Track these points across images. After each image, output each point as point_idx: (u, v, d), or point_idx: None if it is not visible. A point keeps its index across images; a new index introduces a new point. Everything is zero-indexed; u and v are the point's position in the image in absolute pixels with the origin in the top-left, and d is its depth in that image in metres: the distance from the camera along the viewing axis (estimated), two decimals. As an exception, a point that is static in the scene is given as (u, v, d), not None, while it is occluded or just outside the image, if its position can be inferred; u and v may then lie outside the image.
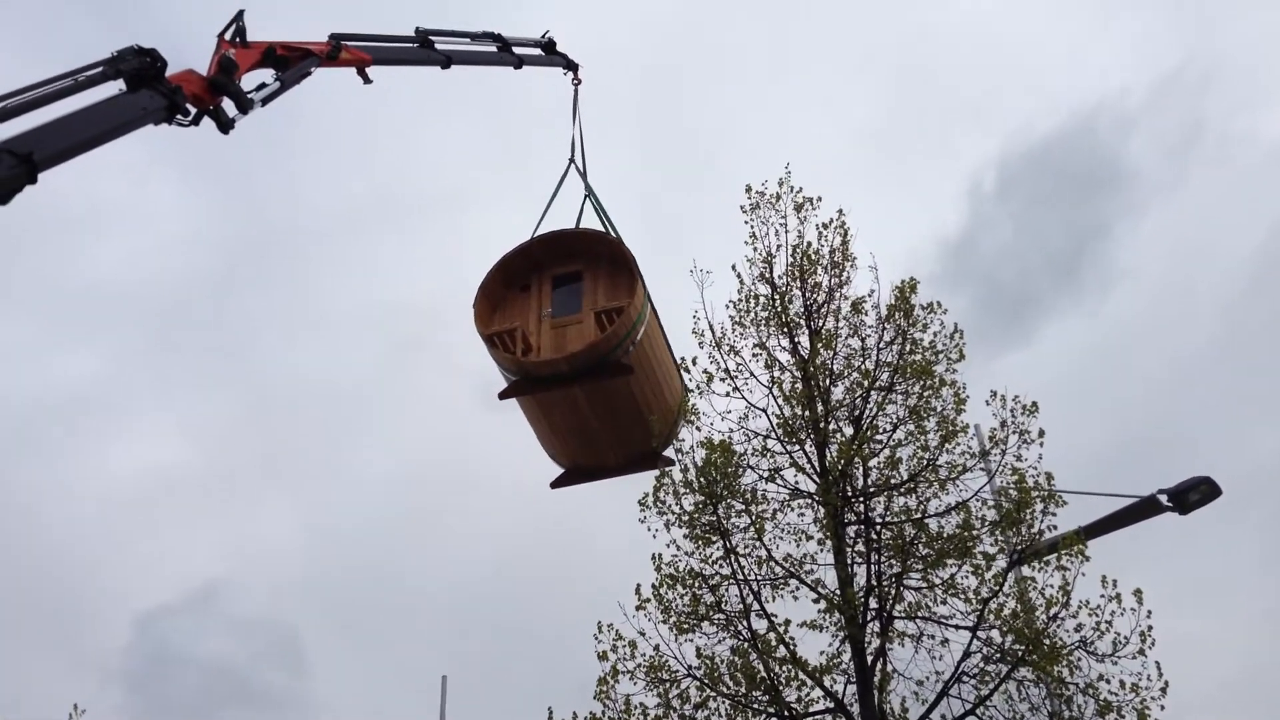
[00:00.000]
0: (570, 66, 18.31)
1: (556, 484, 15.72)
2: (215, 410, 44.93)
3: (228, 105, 9.83)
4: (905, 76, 49.53)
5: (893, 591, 11.53)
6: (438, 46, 14.56)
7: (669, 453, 13.66)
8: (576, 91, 18.03)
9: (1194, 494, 12.06)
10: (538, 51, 17.75)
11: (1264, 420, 35.37)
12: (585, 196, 16.16)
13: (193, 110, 9.37)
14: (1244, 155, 43.31)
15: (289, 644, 38.39)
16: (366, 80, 12.85)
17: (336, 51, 11.90)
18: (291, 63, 10.98)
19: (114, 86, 8.50)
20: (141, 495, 42.70)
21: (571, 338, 14.23)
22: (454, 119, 52.49)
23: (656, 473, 12.11)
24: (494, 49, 16.34)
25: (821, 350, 12.36)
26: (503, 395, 14.30)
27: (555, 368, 13.81)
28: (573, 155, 16.93)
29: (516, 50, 16.77)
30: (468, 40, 15.58)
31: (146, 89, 8.62)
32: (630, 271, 14.34)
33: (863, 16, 50.93)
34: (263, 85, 10.43)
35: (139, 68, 8.59)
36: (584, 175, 16.57)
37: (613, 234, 15.23)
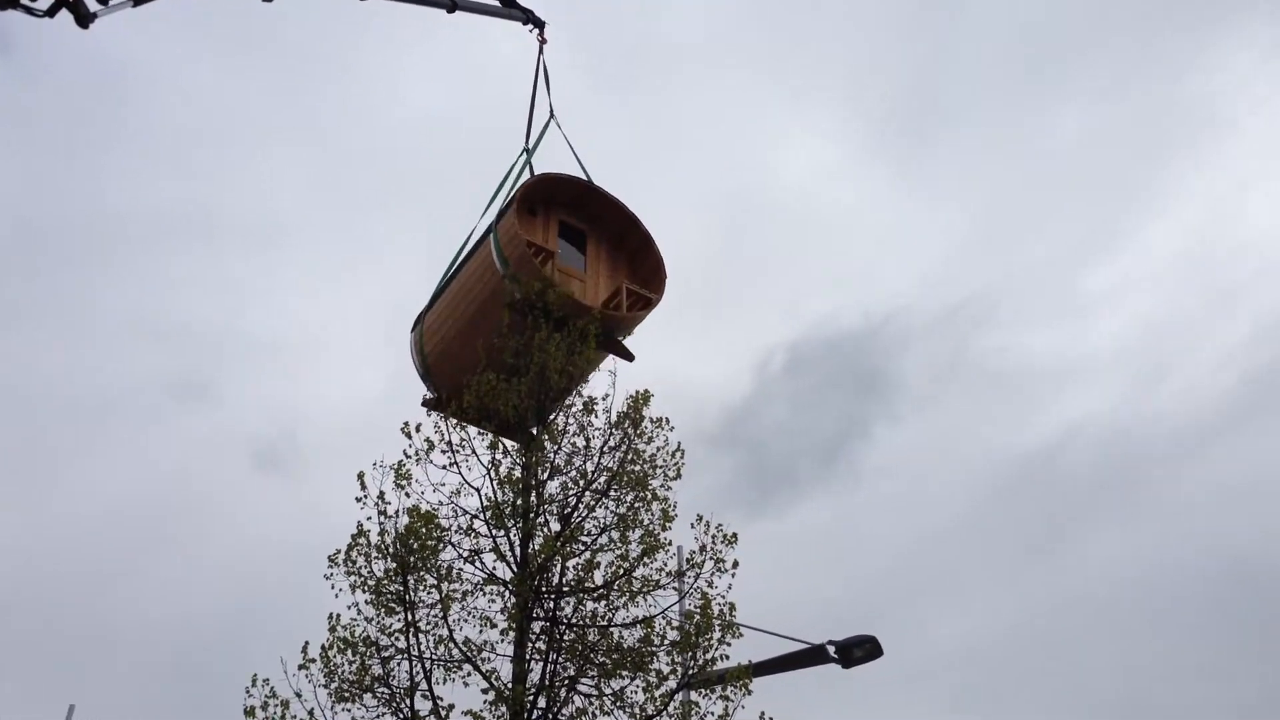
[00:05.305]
0: (534, 22, 17.76)
1: (427, 405, 15.32)
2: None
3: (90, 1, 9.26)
4: (729, 242, 51.89)
5: (563, 694, 11.51)
6: None
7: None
8: (541, 49, 17.65)
9: (858, 650, 12.81)
10: (493, 2, 17.25)
11: (945, 614, 38.91)
12: (516, 163, 16.31)
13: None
14: (992, 389, 48.03)
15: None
16: None
17: None
18: None
19: None
20: None
21: (575, 291, 14.55)
22: (296, 145, 50.03)
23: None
24: None
25: (546, 443, 12.46)
26: (510, 305, 13.81)
27: (580, 309, 13.92)
28: (548, 112, 16.89)
29: None
30: None
31: None
32: (629, 265, 15.03)
33: (708, 164, 53.00)
34: None
35: None
36: (571, 146, 16.51)
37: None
